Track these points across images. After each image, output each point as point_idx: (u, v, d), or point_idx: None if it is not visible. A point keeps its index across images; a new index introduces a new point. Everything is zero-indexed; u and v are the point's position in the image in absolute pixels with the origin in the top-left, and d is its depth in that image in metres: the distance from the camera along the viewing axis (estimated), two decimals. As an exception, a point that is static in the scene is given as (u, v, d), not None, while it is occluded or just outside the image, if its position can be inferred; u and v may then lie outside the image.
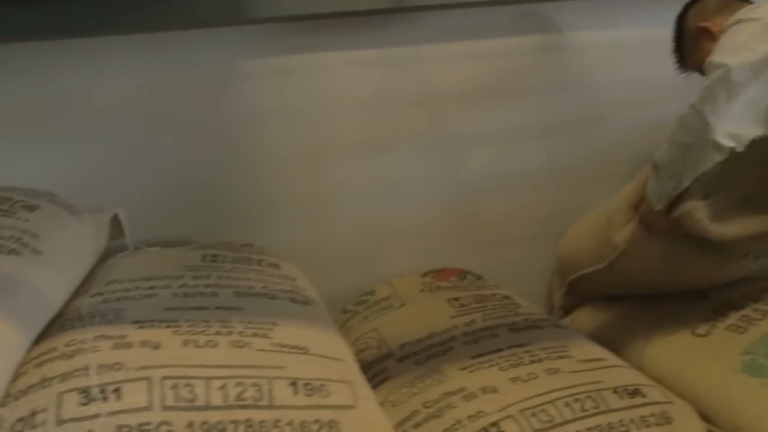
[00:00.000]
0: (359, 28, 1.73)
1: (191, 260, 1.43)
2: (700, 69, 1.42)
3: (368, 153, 1.80)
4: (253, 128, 1.73)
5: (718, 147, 1.25)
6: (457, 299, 1.63)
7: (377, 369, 1.45)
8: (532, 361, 1.31)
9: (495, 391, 1.23)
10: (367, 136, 1.79)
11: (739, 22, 1.32)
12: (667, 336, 1.43)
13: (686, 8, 1.58)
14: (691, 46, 1.53)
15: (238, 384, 0.99)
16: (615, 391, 1.21)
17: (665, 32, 1.93)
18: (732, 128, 1.24)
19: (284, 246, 1.66)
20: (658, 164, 1.36)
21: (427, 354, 1.42)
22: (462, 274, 1.79)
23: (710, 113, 1.24)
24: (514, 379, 1.26)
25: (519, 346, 1.38)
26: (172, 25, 1.61)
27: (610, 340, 1.57)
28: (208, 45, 1.67)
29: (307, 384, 1.04)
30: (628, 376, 1.29)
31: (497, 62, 1.85)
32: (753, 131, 1.25)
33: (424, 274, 1.80)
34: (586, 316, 1.75)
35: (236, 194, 1.76)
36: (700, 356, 1.38)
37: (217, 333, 1.10)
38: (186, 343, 1.06)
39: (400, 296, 1.71)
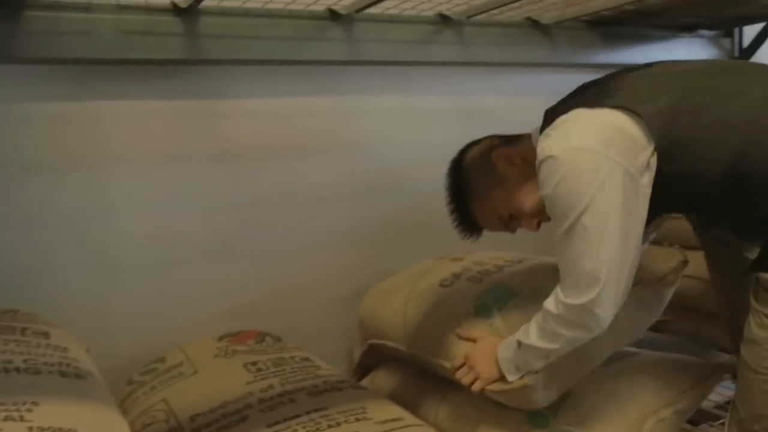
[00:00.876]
0: (151, 77, 1.63)
1: (-67, 331, 1.21)
2: (497, 214, 1.33)
3: (160, 210, 1.68)
4: (24, 178, 1.54)
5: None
6: (254, 363, 1.55)
7: (164, 445, 1.33)
8: (330, 426, 1.27)
9: (291, 460, 1.17)
10: (158, 191, 1.67)
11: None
12: (461, 392, 1.46)
13: (461, 156, 1.43)
14: (485, 184, 1.34)
15: (-19, 481, 0.83)
16: (410, 451, 1.21)
17: (457, 100, 2.08)
18: (616, 308, 1.18)
19: (61, 312, 1.47)
20: (527, 346, 1.26)
21: (220, 425, 1.32)
22: (260, 336, 1.71)
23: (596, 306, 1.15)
24: (311, 447, 1.21)
25: (317, 410, 1.33)
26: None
27: (408, 398, 1.58)
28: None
29: (70, 472, 0.90)
30: (421, 434, 1.29)
31: (299, 121, 1.84)
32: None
33: (220, 338, 1.70)
34: (385, 376, 1.76)
35: (2, 252, 1.55)
36: (491, 412, 1.43)
37: (-43, 420, 0.93)
38: None
39: (193, 363, 1.59)
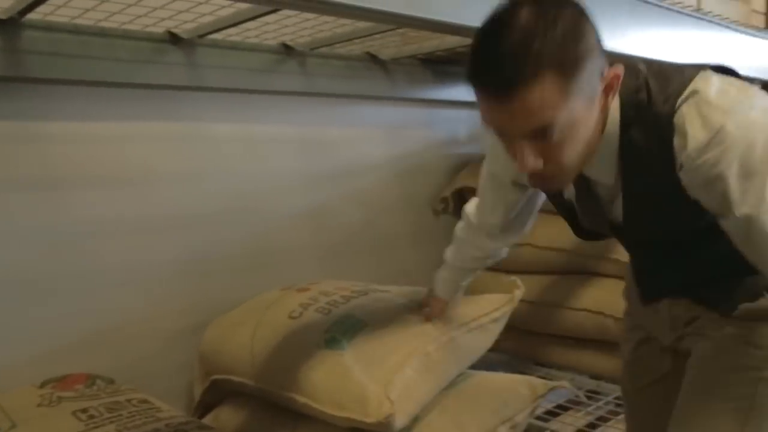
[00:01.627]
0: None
1: None
2: (544, 116, 0.88)
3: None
4: None
5: None
6: (84, 411, 1.42)
7: None
8: (178, 473, 1.20)
9: None
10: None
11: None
12: (311, 424, 1.45)
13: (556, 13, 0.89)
14: (584, 83, 0.90)
15: None
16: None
17: (298, 129, 2.09)
18: None
19: None
20: None
21: (49, 484, 1.19)
22: (90, 379, 1.57)
23: None
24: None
25: (162, 457, 1.25)
26: None
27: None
28: None
29: None
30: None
31: (134, 147, 1.74)
32: None
33: (42, 384, 1.53)
34: (229, 412, 1.69)
35: None
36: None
37: None
38: None
39: (10, 415, 1.41)
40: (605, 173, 1.04)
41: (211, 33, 1.65)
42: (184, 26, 1.64)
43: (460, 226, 1.41)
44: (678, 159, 0.96)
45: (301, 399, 1.41)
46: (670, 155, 0.96)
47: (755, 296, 1.09)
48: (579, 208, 1.15)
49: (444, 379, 1.47)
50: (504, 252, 1.42)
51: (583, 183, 1.08)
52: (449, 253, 1.45)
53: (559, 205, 1.18)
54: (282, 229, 2.07)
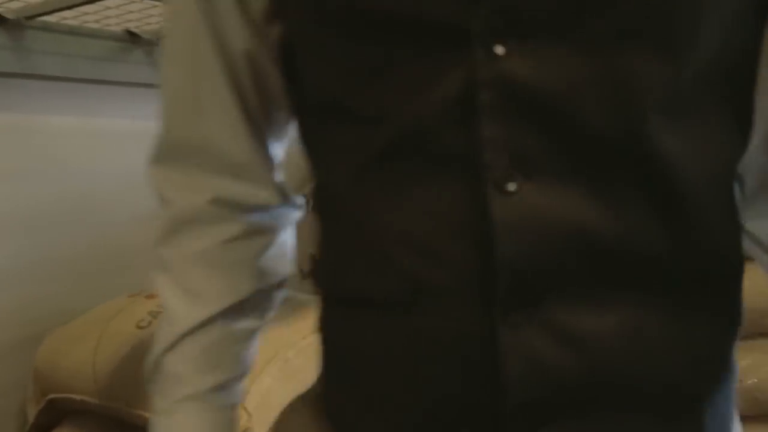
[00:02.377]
0: None
1: None
2: None
3: None
4: None
5: None
6: None
7: None
8: None
9: None
10: None
11: None
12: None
13: None
14: None
15: None
16: None
17: (147, 123, 1.95)
18: None
19: None
20: None
21: None
22: None
23: None
24: None
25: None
26: None
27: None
28: None
29: None
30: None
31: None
32: None
33: None
34: (69, 434, 1.55)
35: None
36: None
37: None
38: None
39: None
40: None
41: (41, 15, 1.50)
42: (8, 5, 1.47)
43: (169, 232, 0.74)
44: None
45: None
46: None
47: None
48: None
49: (304, 385, 1.43)
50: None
51: None
52: (172, 334, 0.75)
53: None
54: (130, 231, 1.92)
